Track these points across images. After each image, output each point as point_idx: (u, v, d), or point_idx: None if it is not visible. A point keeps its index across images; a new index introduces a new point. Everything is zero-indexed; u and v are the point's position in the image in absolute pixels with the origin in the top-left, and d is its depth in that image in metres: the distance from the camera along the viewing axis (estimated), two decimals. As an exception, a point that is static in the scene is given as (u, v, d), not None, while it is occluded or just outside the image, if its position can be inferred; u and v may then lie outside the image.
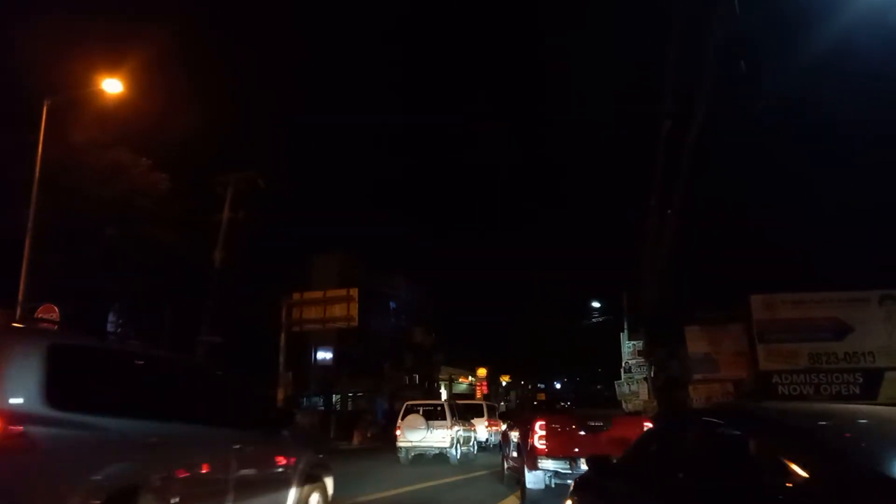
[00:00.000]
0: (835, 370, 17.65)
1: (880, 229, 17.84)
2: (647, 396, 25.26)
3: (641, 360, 26.80)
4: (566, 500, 4.98)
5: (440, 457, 16.37)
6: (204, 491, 4.37)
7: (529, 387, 58.15)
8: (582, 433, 9.07)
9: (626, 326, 28.96)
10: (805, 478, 2.56)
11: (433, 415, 16.71)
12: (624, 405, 29.42)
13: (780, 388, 18.01)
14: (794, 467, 2.62)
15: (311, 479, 5.81)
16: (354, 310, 20.14)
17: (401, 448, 16.40)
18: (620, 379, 31.36)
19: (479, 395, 43.01)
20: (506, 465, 11.76)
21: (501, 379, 53.08)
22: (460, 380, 49.35)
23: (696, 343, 20.66)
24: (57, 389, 3.43)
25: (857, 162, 17.94)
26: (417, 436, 16.29)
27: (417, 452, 16.45)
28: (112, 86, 13.57)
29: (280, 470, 5.45)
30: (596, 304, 31.81)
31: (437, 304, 44.67)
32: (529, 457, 9.18)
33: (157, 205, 15.88)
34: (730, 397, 20.20)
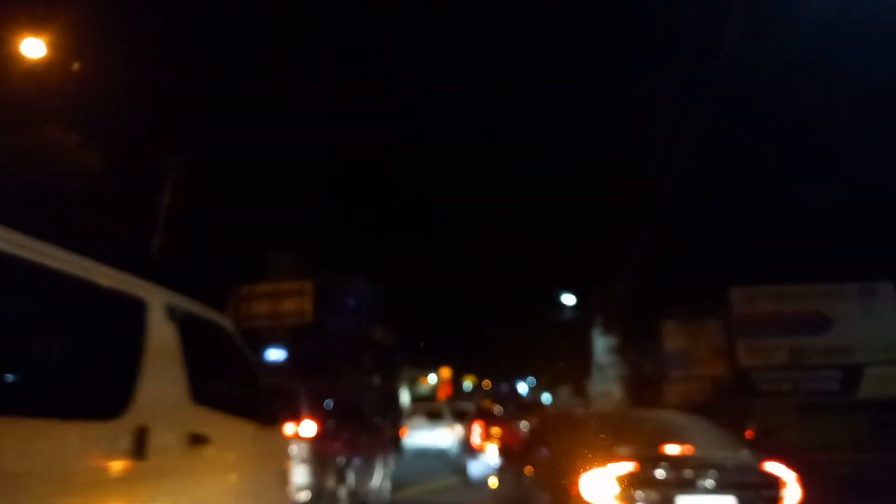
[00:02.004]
0: (814, 366, 17.66)
1: (864, 219, 17.86)
2: (620, 396, 25.09)
3: (615, 357, 26.64)
4: (490, 477, 8.48)
5: (441, 453, 18.52)
6: (357, 457, 8.42)
7: (493, 388, 57.90)
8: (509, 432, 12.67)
9: (598, 322, 28.76)
10: (572, 448, 5.12)
11: (435, 417, 19.65)
12: (593, 404, 29.29)
13: (759, 384, 17.95)
14: (571, 441, 5.34)
15: (386, 458, 9.99)
16: (308, 304, 19.44)
17: (406, 446, 18.95)
18: (592, 378, 31.19)
19: (442, 396, 42.50)
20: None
21: (465, 380, 52.71)
22: (421, 381, 48.78)
23: (673, 339, 20.55)
24: (312, 409, 7.46)
25: (841, 153, 17.95)
26: (422, 435, 18.99)
27: (421, 449, 18.83)
28: (33, 48, 12.53)
29: (378, 450, 9.59)
30: (566, 300, 31.42)
31: (399, 302, 43.94)
32: (470, 450, 13.20)
33: (88, 186, 14.79)
34: (706, 395, 20.10)
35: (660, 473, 4.45)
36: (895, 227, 16.34)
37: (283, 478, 4.62)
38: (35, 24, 12.83)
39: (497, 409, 18.52)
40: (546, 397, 58.79)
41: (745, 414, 16.24)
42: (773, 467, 4.69)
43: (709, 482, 4.38)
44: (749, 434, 15.45)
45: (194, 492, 3.38)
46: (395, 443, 18.14)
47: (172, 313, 3.55)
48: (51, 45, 12.84)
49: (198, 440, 3.43)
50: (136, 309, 3.25)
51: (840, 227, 17.71)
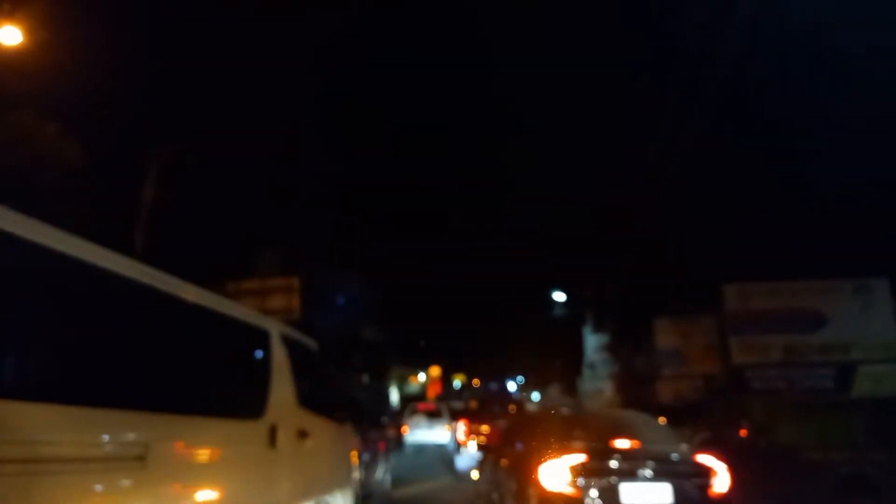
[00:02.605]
0: (808, 364, 17.48)
1: (860, 215, 17.71)
2: (611, 394, 24.86)
3: (607, 355, 26.43)
4: (472, 470, 9.79)
5: (439, 448, 19.71)
6: (366, 452, 8.83)
7: (482, 386, 57.77)
8: (494, 429, 14.12)
9: (590, 320, 28.52)
10: (537, 442, 6.01)
11: (433, 415, 21.35)
12: (583, 403, 29.10)
13: (752, 382, 17.75)
14: (537, 436, 6.25)
15: (388, 453, 11.16)
16: (296, 301, 19.10)
17: (407, 443, 20.30)
18: (583, 376, 30.97)
19: (431, 395, 42.24)
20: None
21: (455, 378, 52.46)
22: (411, 379, 48.47)
23: (665, 336, 20.30)
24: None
25: (834, 148, 17.81)
26: (421, 432, 20.47)
27: (420, 445, 20.16)
28: (9, 36, 12.12)
29: (382, 446, 10.65)
30: (557, 297, 31.13)
31: (390, 300, 43.54)
32: (457, 446, 15.32)
33: (67, 178, 14.40)
34: (699, 394, 19.91)
35: (606, 464, 5.22)
36: (891, 223, 16.17)
37: (350, 462, 6.27)
38: (11, 9, 12.42)
39: (512, 407, 20.91)
40: (535, 396, 58.69)
41: (739, 412, 16.04)
42: (705, 459, 5.48)
43: (648, 472, 5.14)
44: (743, 432, 15.26)
45: (302, 470, 4.70)
46: (398, 439, 19.24)
47: (283, 339, 4.73)
48: (28, 32, 12.42)
49: (302, 434, 4.73)
50: (266, 338, 4.52)
51: (835, 222, 17.53)
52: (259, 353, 4.40)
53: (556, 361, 37.35)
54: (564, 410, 14.66)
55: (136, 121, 16.95)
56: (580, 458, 5.25)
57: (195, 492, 3.33)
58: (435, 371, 45.69)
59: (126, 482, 2.77)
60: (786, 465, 12.71)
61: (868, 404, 16.35)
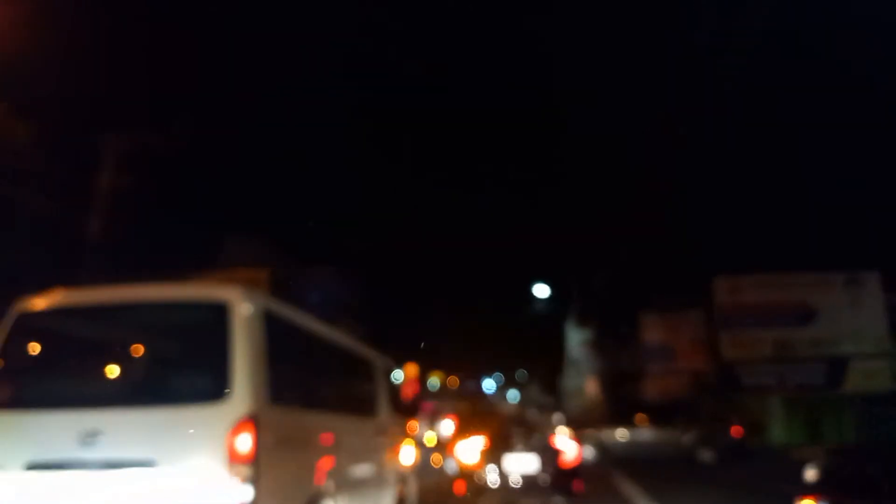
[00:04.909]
0: (799, 359, 17.14)
1: (851, 208, 17.44)
2: (595, 391, 24.33)
3: (590, 351, 25.97)
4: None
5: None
6: None
7: (460, 385, 57.14)
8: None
9: (573, 314, 28.01)
10: (463, 430, 13.13)
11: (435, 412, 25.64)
12: (564, 401, 28.68)
13: (742, 379, 17.36)
14: (465, 425, 14.69)
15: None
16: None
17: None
18: (564, 373, 30.55)
19: (409, 394, 41.57)
20: None
21: (431, 376, 51.76)
22: (388, 378, 47.63)
23: (652, 331, 19.81)
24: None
25: (825, 142, 17.54)
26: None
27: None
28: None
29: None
30: (539, 291, 30.48)
31: (365, 296, 42.69)
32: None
33: (16, 159, 13.45)
34: (687, 390, 19.52)
35: (499, 442, 8.36)
36: (883, 216, 15.90)
37: (413, 446, 8.64)
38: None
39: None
40: (513, 394, 58.18)
41: (730, 410, 15.61)
42: (559, 439, 8.46)
43: (521, 447, 8.44)
44: (735, 430, 14.87)
45: (396, 446, 7.42)
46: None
47: (382, 366, 7.32)
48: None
49: (392, 427, 7.31)
50: (373, 367, 7.11)
51: (826, 215, 17.23)
52: (372, 377, 6.96)
53: (536, 358, 36.83)
54: (484, 408, 20.08)
55: (99, 103, 16.04)
56: (481, 438, 8.65)
57: (359, 456, 5.97)
58: (411, 370, 44.89)
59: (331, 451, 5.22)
60: (780, 465, 12.29)
61: (859, 400, 16.03)
